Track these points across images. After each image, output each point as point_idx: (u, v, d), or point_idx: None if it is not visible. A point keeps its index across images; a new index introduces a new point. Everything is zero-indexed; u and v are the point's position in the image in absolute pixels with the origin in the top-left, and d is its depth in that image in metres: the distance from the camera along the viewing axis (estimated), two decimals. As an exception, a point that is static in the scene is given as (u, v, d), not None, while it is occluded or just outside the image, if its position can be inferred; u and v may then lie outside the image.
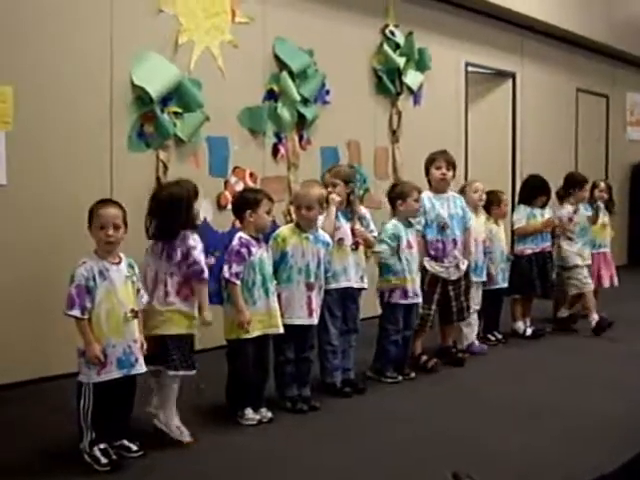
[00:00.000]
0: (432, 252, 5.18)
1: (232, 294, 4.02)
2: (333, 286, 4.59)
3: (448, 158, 5.33)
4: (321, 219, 4.45)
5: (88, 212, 3.55)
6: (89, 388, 3.43)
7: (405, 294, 4.90)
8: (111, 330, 3.45)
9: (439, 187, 5.29)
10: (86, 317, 3.41)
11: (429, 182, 5.34)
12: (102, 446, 3.43)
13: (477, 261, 5.70)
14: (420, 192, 5.05)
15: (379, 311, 5.05)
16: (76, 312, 3.38)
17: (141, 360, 3.57)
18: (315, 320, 4.37)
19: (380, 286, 4.95)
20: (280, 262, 4.27)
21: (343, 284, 4.64)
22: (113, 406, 3.51)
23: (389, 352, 4.94)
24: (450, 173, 5.28)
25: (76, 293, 3.39)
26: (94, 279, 3.43)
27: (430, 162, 5.32)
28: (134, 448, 3.56)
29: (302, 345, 4.36)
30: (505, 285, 6.08)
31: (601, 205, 6.90)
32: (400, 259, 4.90)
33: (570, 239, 6.55)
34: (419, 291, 5.00)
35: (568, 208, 6.58)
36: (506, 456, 3.64)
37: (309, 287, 4.30)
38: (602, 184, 7.23)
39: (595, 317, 6.45)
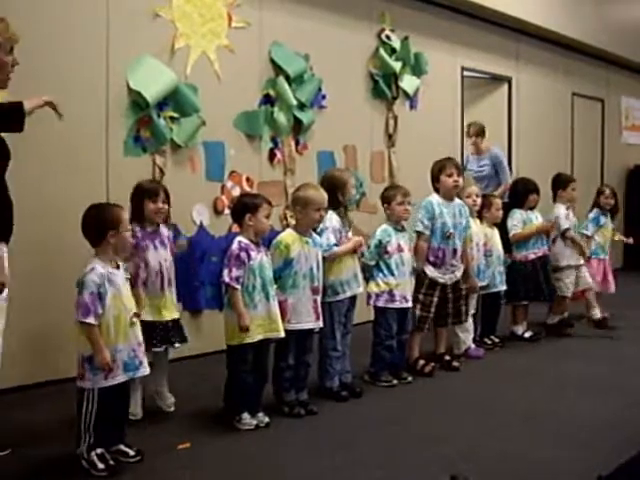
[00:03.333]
0: (432, 259, 5.18)
1: (232, 298, 4.01)
2: (348, 294, 4.62)
3: (457, 164, 5.32)
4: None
5: (108, 217, 3.52)
6: (93, 393, 3.41)
7: (392, 298, 4.91)
8: (118, 335, 3.45)
9: (450, 194, 5.25)
10: (97, 324, 3.40)
11: (436, 189, 5.27)
12: (99, 451, 3.42)
13: (479, 265, 5.71)
14: (405, 195, 4.99)
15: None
16: (92, 319, 3.36)
17: (145, 362, 3.59)
18: (321, 323, 4.39)
19: (368, 289, 4.95)
20: (284, 269, 4.25)
21: (357, 291, 4.70)
22: (112, 410, 3.49)
23: (384, 357, 4.94)
24: (461, 179, 5.29)
25: (90, 300, 3.37)
26: (104, 285, 3.43)
27: (440, 170, 5.23)
28: (131, 453, 3.55)
29: (303, 349, 4.36)
30: (503, 288, 6.09)
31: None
32: (387, 263, 4.91)
33: (567, 238, 6.55)
34: (409, 296, 4.98)
35: (561, 209, 6.60)
36: (503, 459, 3.64)
37: (314, 291, 4.31)
38: (607, 190, 7.24)
39: (598, 314, 6.61)
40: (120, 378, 3.46)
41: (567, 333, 6.59)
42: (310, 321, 4.31)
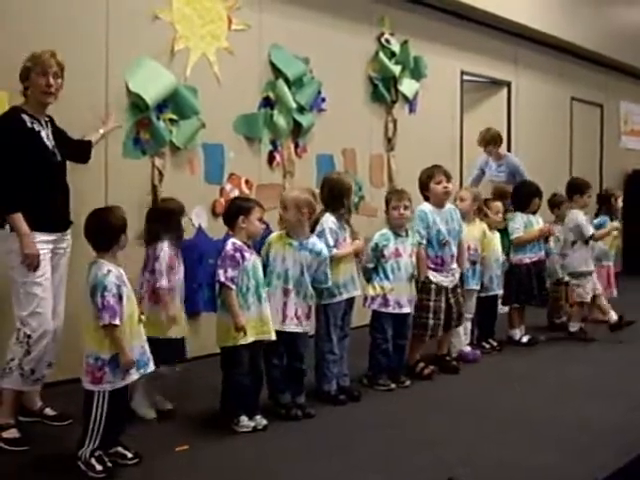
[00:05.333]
0: (432, 266, 5.17)
1: (227, 298, 4.01)
2: (345, 296, 4.62)
3: (445, 171, 5.28)
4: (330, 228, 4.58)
5: (121, 221, 3.58)
6: (105, 396, 3.40)
7: (386, 302, 4.89)
8: (132, 333, 3.49)
9: (440, 201, 5.23)
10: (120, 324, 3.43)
11: (426, 197, 5.26)
12: (97, 453, 3.42)
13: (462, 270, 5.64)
14: (400, 199, 4.96)
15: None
16: (119, 321, 3.38)
17: (151, 359, 3.63)
18: (288, 326, 4.28)
19: (365, 292, 4.95)
20: (266, 266, 4.30)
21: (354, 293, 4.70)
22: (116, 412, 3.47)
23: (380, 361, 4.93)
24: (451, 185, 5.27)
25: (115, 302, 3.39)
26: (121, 286, 3.46)
27: (429, 177, 5.21)
28: (129, 455, 3.55)
29: (290, 353, 4.35)
30: (499, 292, 6.10)
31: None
32: (383, 267, 4.91)
33: (585, 243, 6.54)
34: (405, 302, 4.93)
35: (580, 214, 6.57)
36: (502, 463, 3.63)
37: (285, 292, 4.28)
38: (621, 196, 7.31)
39: (614, 316, 6.57)
40: (134, 376, 3.51)
41: (591, 338, 6.54)
42: (276, 322, 4.23)
